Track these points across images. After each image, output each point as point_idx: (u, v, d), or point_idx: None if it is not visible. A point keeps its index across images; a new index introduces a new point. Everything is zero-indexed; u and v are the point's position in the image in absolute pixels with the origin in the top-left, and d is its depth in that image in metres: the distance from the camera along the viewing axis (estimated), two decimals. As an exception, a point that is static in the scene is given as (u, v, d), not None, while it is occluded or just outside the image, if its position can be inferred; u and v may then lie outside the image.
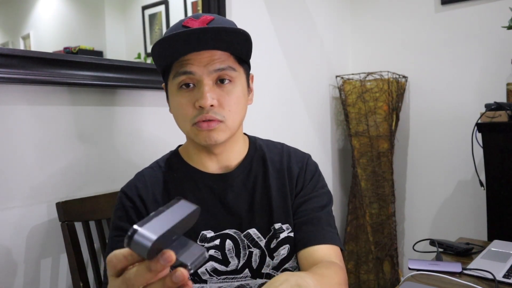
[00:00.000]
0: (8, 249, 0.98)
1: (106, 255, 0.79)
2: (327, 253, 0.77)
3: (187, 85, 0.74)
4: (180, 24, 0.76)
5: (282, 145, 0.90)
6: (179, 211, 0.41)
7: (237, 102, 0.76)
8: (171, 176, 0.82)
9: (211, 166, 0.82)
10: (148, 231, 0.37)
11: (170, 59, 0.75)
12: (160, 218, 0.39)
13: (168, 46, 0.71)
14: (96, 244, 1.09)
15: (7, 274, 0.98)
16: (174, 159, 0.85)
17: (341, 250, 0.81)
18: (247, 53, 0.78)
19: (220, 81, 0.75)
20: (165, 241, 0.39)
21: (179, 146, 0.89)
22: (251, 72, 0.84)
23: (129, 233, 0.37)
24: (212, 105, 0.72)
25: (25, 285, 1.01)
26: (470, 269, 1.01)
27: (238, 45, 0.74)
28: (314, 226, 0.79)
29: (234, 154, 0.83)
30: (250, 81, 0.84)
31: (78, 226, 1.05)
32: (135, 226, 0.37)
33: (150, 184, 0.80)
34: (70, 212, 1.02)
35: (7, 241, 0.98)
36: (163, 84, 0.83)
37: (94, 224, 1.08)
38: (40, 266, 1.04)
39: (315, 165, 0.89)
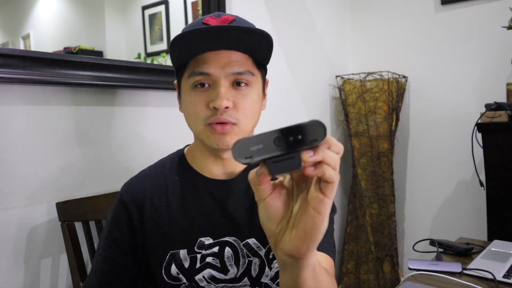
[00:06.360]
0: (8, 249, 0.98)
1: (97, 250, 0.79)
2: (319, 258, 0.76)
3: (202, 84, 0.72)
4: (200, 21, 0.73)
5: None
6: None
7: (252, 105, 0.74)
8: (173, 179, 0.80)
9: (216, 171, 0.79)
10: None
11: (187, 56, 0.72)
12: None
13: (186, 42, 0.68)
14: (96, 244, 1.09)
15: (7, 274, 0.98)
16: (178, 160, 0.83)
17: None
18: (266, 57, 0.76)
19: (237, 83, 0.72)
20: None
21: (187, 145, 0.87)
22: (266, 77, 0.82)
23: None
24: (227, 107, 0.70)
25: (25, 285, 1.01)
26: (470, 269, 1.01)
27: (259, 48, 0.72)
28: None
29: None
30: (265, 86, 0.82)
31: (78, 226, 1.05)
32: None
33: (150, 187, 0.78)
34: (70, 212, 1.02)
35: (7, 241, 0.98)
36: (175, 81, 0.81)
37: (94, 224, 1.08)
38: (40, 266, 1.04)
39: None
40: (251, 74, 0.73)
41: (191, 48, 0.70)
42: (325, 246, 0.76)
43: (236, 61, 0.71)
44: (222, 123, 0.71)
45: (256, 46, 0.71)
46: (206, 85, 0.72)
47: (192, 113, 0.73)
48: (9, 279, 0.98)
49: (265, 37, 0.69)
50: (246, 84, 0.73)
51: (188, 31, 0.66)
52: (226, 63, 0.70)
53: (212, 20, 0.73)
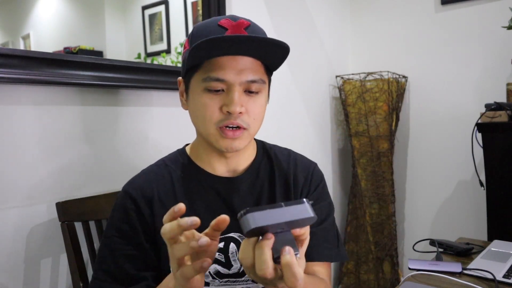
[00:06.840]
0: (8, 249, 0.98)
1: (102, 252, 0.77)
2: (314, 270, 0.79)
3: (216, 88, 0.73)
4: (216, 22, 0.74)
5: (289, 152, 0.90)
6: (295, 212, 0.47)
7: (261, 111, 0.77)
8: (178, 176, 0.81)
9: (220, 168, 0.81)
10: (254, 218, 0.44)
11: (202, 57, 0.73)
12: (274, 212, 0.46)
13: (205, 46, 0.68)
14: (96, 244, 1.09)
15: (7, 274, 0.98)
16: (181, 158, 0.84)
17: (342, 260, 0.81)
18: (277, 65, 0.78)
19: (249, 91, 0.74)
20: (268, 230, 0.46)
21: (186, 145, 0.88)
22: None
23: (243, 211, 0.45)
24: (240, 113, 0.72)
25: (25, 285, 1.01)
26: (470, 269, 1.01)
27: (274, 57, 0.74)
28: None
29: (244, 158, 0.83)
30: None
31: (78, 226, 1.05)
32: (248, 209, 0.45)
33: (156, 184, 0.79)
34: (70, 212, 1.02)
35: (7, 241, 0.98)
36: (179, 78, 0.81)
37: (94, 224, 1.08)
38: (40, 266, 1.04)
39: (320, 176, 0.88)
40: (263, 82, 0.75)
41: (209, 51, 0.70)
42: (321, 253, 0.80)
43: (251, 68, 0.73)
44: (233, 129, 0.73)
45: (272, 55, 0.73)
46: (220, 89, 0.73)
47: (203, 115, 0.74)
48: (9, 279, 0.98)
49: (284, 49, 0.70)
50: (257, 92, 0.75)
51: (215, 38, 0.66)
52: (241, 69, 0.72)
53: (229, 23, 0.73)
